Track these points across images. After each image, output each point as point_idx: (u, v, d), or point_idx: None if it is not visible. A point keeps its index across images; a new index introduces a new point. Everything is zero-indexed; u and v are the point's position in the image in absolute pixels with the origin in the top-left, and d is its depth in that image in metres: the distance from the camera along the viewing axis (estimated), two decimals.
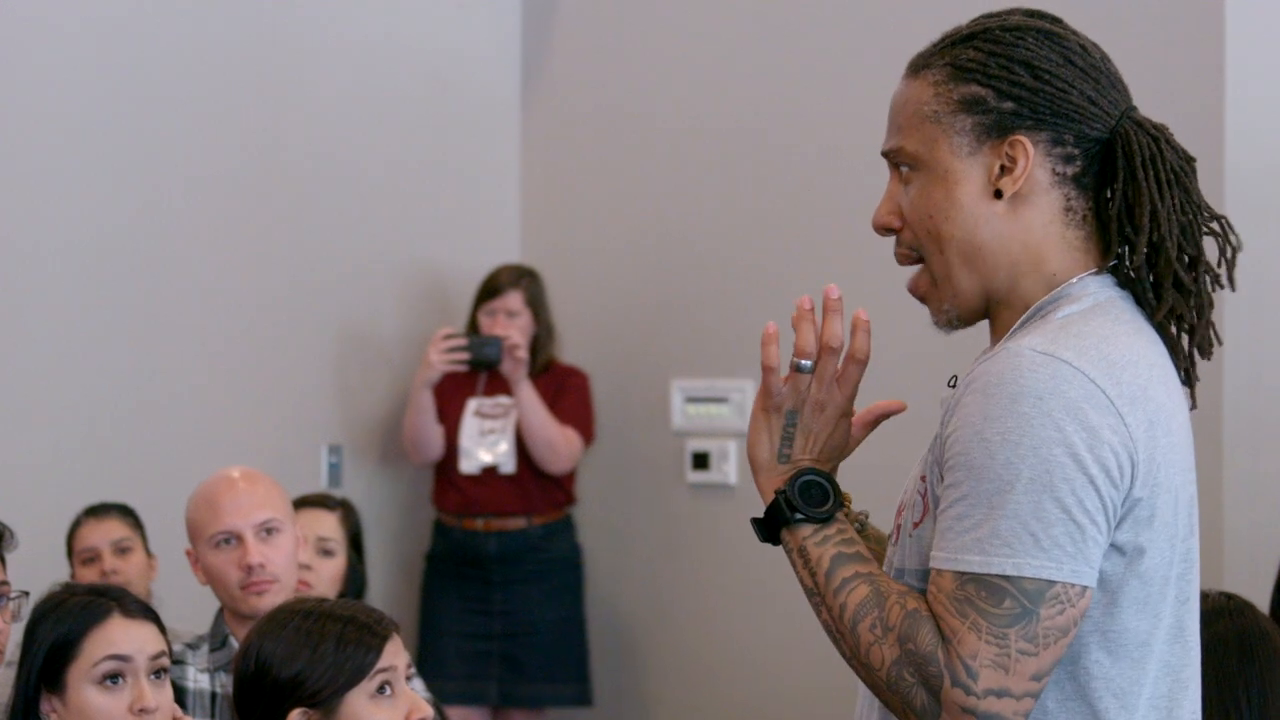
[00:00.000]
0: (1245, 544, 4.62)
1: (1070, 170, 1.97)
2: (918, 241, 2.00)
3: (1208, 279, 2.00)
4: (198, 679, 3.44)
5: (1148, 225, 1.96)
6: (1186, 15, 4.72)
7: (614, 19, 5.89)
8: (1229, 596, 2.73)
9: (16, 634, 2.94)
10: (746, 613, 5.54)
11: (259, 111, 5.29)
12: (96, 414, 4.89)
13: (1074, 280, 1.97)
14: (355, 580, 4.36)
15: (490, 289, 5.58)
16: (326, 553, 4.15)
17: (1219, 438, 4.65)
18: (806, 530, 1.98)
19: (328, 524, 4.20)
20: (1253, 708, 2.60)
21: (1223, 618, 2.66)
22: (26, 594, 2.94)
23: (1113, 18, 4.81)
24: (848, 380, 2.03)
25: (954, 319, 2.02)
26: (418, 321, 5.72)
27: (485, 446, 5.51)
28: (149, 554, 4.50)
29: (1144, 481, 1.88)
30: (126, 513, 4.50)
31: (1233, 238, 2.04)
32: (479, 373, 5.53)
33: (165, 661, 2.86)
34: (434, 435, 5.52)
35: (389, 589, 5.59)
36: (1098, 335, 1.90)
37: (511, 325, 5.51)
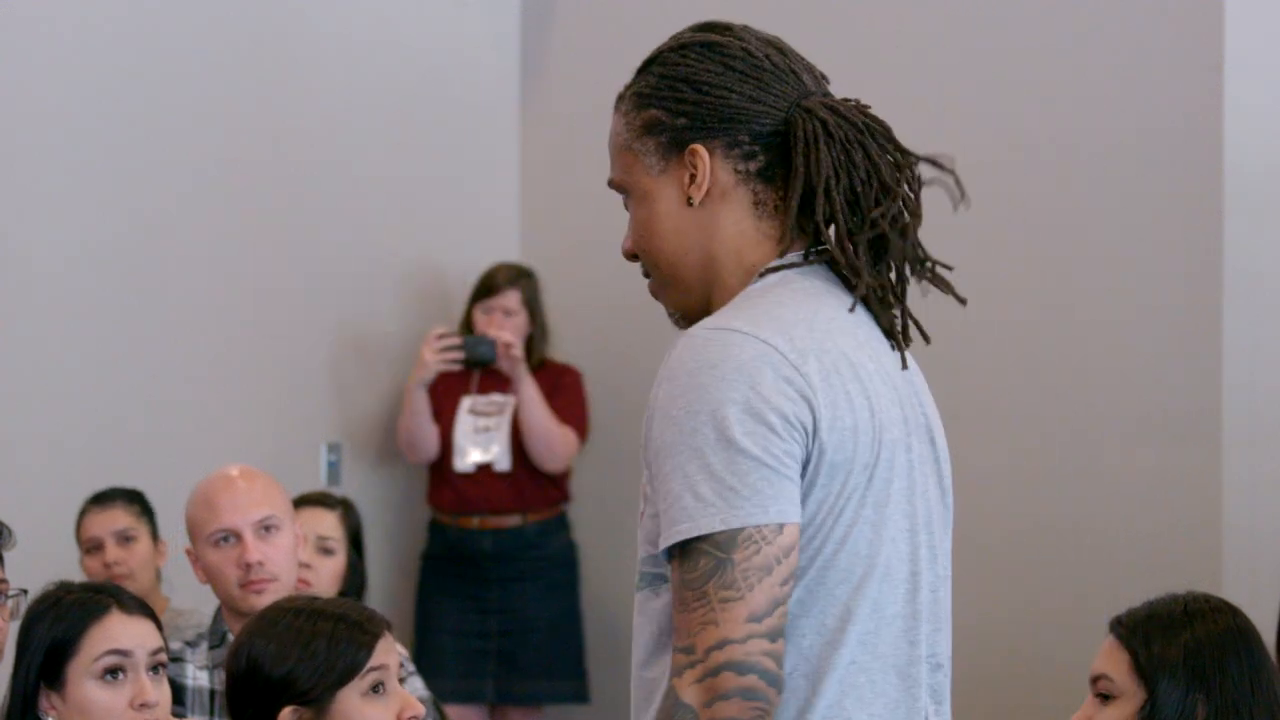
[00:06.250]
0: (1244, 544, 4.62)
1: (753, 166, 2.07)
2: (642, 259, 2.13)
3: (902, 252, 2.06)
4: (196, 676, 3.44)
5: (822, 208, 2.04)
6: (1186, 15, 4.72)
7: (613, 19, 5.89)
8: (1208, 598, 2.73)
9: (14, 632, 2.94)
10: None
11: (259, 111, 5.29)
12: (96, 412, 4.88)
13: (768, 265, 2.06)
14: (355, 579, 4.35)
15: (488, 287, 5.57)
16: (326, 551, 4.15)
17: (1218, 438, 4.64)
18: None
19: (328, 523, 4.19)
20: (1245, 705, 2.60)
21: (1205, 618, 2.66)
22: (25, 591, 2.94)
23: (1113, 18, 4.82)
24: None
25: (680, 320, 2.13)
26: (417, 320, 5.71)
27: (480, 444, 5.50)
28: (156, 539, 4.48)
29: (829, 426, 1.94)
30: (132, 500, 4.48)
31: (915, 183, 2.08)
32: (473, 371, 5.53)
33: (163, 657, 2.86)
34: (429, 434, 5.51)
35: (388, 587, 5.59)
36: (770, 302, 1.99)
37: (507, 324, 5.51)
